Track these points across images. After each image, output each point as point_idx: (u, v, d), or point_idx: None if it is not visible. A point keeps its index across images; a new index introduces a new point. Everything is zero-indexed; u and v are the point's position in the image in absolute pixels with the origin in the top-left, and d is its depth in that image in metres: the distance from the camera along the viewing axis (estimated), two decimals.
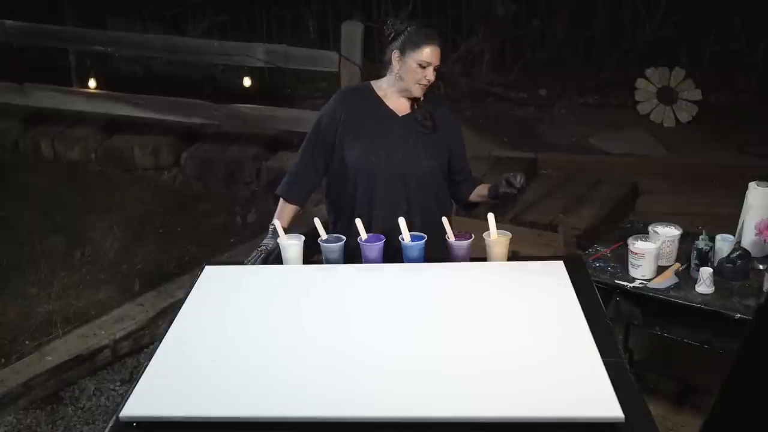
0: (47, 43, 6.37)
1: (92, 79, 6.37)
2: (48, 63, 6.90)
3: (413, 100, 2.84)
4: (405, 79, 2.76)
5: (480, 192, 2.91)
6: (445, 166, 2.91)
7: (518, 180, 2.67)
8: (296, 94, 7.08)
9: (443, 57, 2.80)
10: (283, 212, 2.88)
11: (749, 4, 6.79)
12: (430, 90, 2.85)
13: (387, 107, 2.84)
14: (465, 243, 2.59)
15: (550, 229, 4.80)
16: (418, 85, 2.76)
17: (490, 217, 2.57)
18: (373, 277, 2.52)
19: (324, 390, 1.93)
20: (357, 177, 2.81)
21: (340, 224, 2.89)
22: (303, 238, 2.66)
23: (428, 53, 2.71)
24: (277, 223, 2.68)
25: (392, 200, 2.80)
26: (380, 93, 2.85)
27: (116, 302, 4.13)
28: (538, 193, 5.35)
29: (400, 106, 2.84)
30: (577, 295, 2.33)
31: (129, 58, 7.35)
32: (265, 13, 7.52)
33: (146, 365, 2.09)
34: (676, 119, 6.68)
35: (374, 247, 2.59)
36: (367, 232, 2.63)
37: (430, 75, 2.74)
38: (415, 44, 2.71)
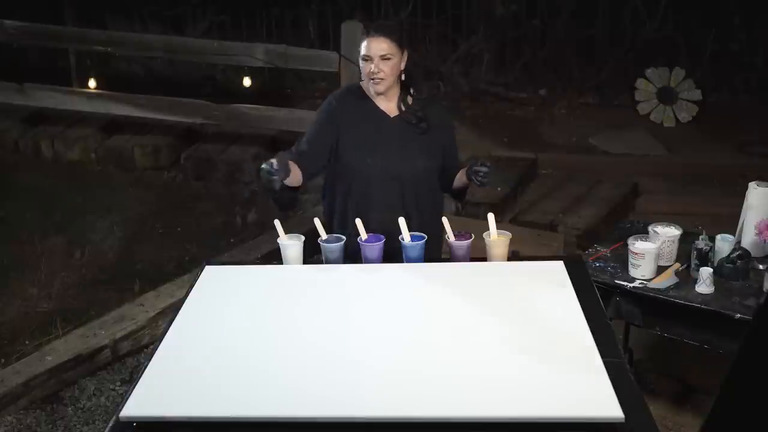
0: (47, 43, 6.37)
1: (92, 79, 6.38)
2: (48, 63, 6.91)
3: (398, 101, 2.81)
4: None
5: (459, 178, 2.84)
6: (440, 166, 2.88)
7: (482, 169, 2.61)
8: (296, 94, 7.08)
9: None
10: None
11: (749, 4, 6.79)
12: (428, 91, 2.82)
13: (378, 108, 2.82)
14: (465, 243, 2.59)
15: (550, 229, 4.80)
16: (369, 80, 2.72)
17: (490, 217, 2.57)
18: (373, 277, 2.52)
19: (324, 390, 1.93)
20: (353, 179, 2.80)
21: (339, 228, 2.84)
22: (303, 238, 2.66)
23: (365, 46, 2.69)
24: (277, 223, 2.67)
25: (388, 202, 2.78)
26: (369, 93, 2.83)
27: (116, 302, 4.13)
28: (538, 193, 5.35)
29: (389, 106, 2.83)
30: (577, 295, 2.33)
31: (129, 58, 7.35)
32: (265, 13, 7.52)
33: (146, 365, 2.09)
34: (676, 119, 6.68)
35: (374, 247, 2.58)
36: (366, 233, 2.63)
37: (374, 68, 2.68)
38: (360, 41, 2.71)
